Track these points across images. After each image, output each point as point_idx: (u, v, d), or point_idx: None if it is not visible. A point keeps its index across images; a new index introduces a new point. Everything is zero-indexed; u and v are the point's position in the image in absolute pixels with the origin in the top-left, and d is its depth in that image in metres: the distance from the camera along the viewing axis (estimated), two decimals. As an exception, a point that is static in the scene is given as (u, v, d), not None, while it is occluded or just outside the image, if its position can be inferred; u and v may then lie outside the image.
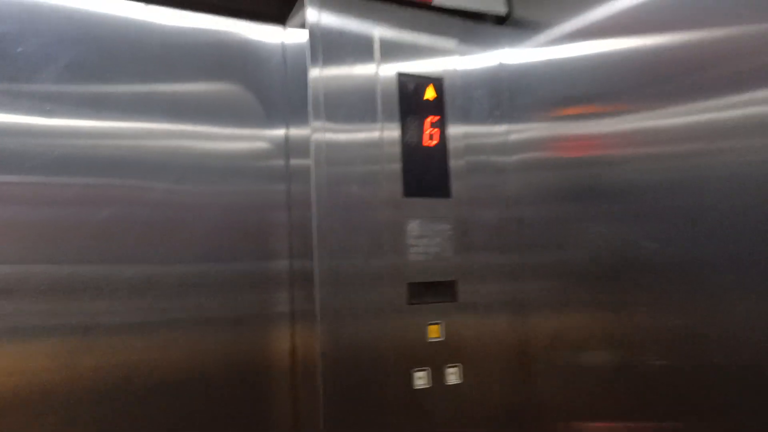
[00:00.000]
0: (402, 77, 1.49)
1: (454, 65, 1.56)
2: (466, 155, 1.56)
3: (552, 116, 1.47)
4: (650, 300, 1.08)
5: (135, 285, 1.27)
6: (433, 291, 1.47)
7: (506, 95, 1.60)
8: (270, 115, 1.46)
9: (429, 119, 1.51)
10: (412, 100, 1.50)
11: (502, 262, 1.57)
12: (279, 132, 1.47)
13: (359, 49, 1.43)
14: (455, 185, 1.53)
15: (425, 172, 1.49)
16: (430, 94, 1.52)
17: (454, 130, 1.55)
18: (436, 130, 1.52)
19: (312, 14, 1.38)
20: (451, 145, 1.54)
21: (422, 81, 1.51)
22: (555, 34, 1.44)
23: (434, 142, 1.52)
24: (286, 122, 1.46)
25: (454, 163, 1.53)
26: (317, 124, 1.36)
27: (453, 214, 1.52)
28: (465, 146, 1.56)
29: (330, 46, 1.39)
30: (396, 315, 1.41)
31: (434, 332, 1.46)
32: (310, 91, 1.36)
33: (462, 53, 1.58)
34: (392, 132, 1.46)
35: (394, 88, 1.47)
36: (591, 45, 1.33)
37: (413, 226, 1.46)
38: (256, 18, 1.47)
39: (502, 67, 1.62)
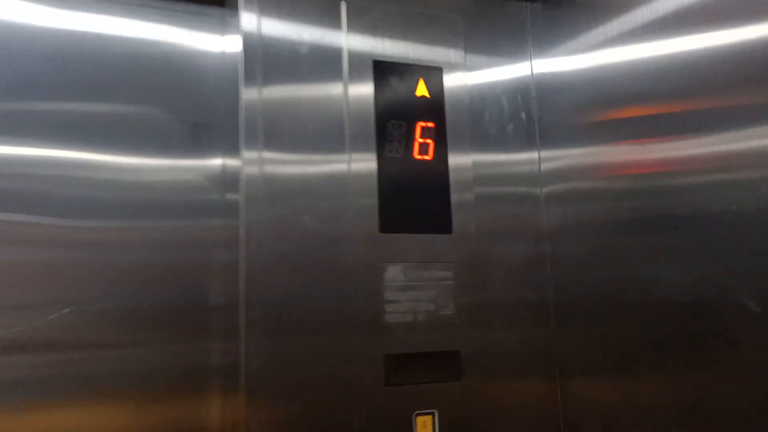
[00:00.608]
0: (380, 66, 1.08)
1: (459, 58, 1.14)
2: (479, 176, 1.12)
3: (597, 138, 1.03)
4: (740, 360, 0.79)
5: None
6: (424, 366, 1.03)
7: (534, 111, 1.16)
8: (201, 142, 1.07)
9: (420, 125, 1.10)
10: (395, 98, 1.09)
11: (530, 314, 1.12)
12: (213, 162, 1.07)
13: (319, 61, 1.04)
14: (459, 216, 1.09)
15: (414, 198, 1.07)
16: (422, 90, 1.11)
17: (458, 140, 1.12)
18: (429, 141, 1.10)
19: (248, 20, 1.01)
20: (455, 161, 1.11)
21: (411, 71, 1.11)
22: (604, 31, 1.01)
23: (428, 157, 1.10)
24: (223, 151, 1.08)
25: (458, 184, 1.10)
26: (250, 155, 0.98)
27: (456, 255, 1.08)
28: (474, 163, 1.13)
29: (275, 59, 1.01)
30: (366, 400, 0.98)
31: (425, 427, 1.01)
32: (242, 114, 0.98)
33: (472, 48, 1.16)
34: (364, 146, 1.05)
35: (367, 79, 1.07)
36: (654, 46, 0.90)
37: (394, 273, 1.03)
38: (184, 23, 1.10)
39: (527, 77, 1.19)
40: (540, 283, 1.14)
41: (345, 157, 1.03)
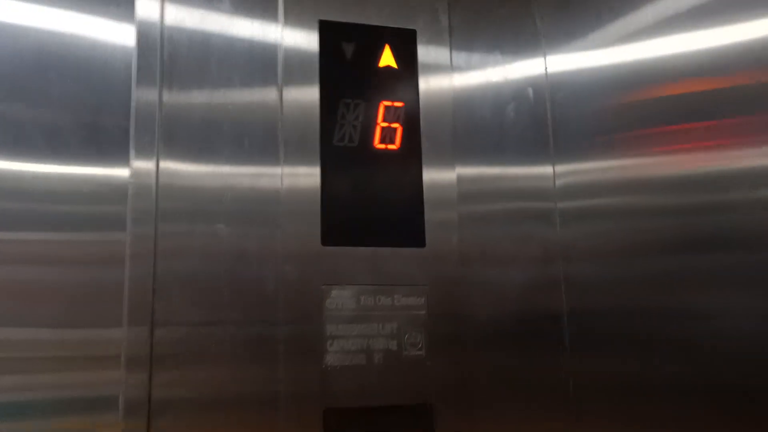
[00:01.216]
0: (329, 28, 0.83)
1: (442, 18, 0.88)
2: (471, 181, 0.86)
3: (628, 146, 0.75)
4: None
5: None
6: (381, 425, 0.77)
7: (548, 113, 0.89)
8: (103, 148, 0.83)
9: (384, 105, 0.84)
10: (349, 69, 0.83)
11: (535, 353, 0.84)
12: (112, 171, 0.83)
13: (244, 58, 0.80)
14: (436, 224, 0.82)
15: (372, 198, 0.81)
16: (387, 59, 0.85)
17: (435, 126, 0.85)
18: (396, 125, 0.84)
19: (145, 6, 0.78)
20: (431, 152, 0.84)
21: (372, 34, 0.85)
22: (639, 19, 0.74)
23: (394, 146, 0.83)
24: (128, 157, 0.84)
25: (435, 182, 0.84)
26: (142, 164, 0.75)
27: (430, 275, 0.81)
28: (462, 161, 0.86)
29: (182, 53, 0.78)
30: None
31: None
32: (133, 116, 0.75)
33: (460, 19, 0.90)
34: (303, 133, 0.80)
35: (308, 46, 0.82)
36: (709, 34, 0.64)
37: (341, 300, 0.78)
38: (89, 7, 0.86)
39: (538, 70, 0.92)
40: (550, 313, 0.85)
41: (274, 149, 0.79)
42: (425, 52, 0.86)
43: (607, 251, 0.79)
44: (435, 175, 0.84)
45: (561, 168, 0.87)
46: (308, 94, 0.81)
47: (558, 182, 0.87)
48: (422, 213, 0.82)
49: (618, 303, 0.77)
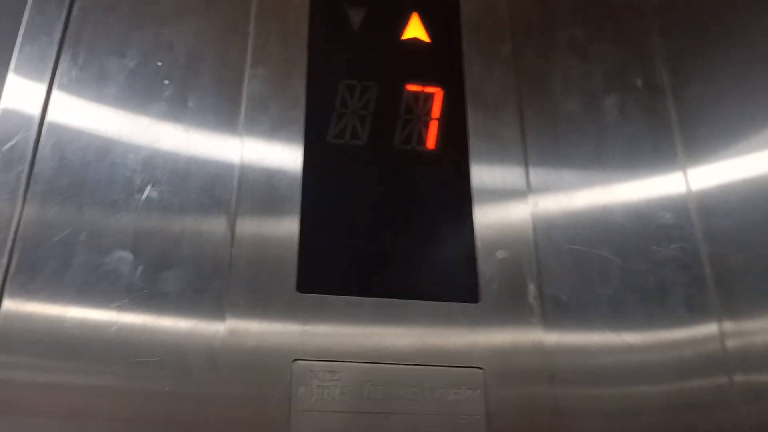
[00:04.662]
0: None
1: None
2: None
3: None
4: None
5: None
6: None
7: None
8: None
9: (410, 90, 0.55)
10: (354, 40, 0.56)
11: None
12: None
13: None
14: (499, 265, 0.49)
15: (387, 223, 0.49)
16: (415, 29, 0.57)
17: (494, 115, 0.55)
18: (429, 119, 0.54)
19: None
20: (477, 151, 0.53)
21: (388, -2, 0.58)
22: None
23: (426, 146, 0.53)
24: None
25: (494, 194, 0.51)
26: None
27: (489, 351, 0.46)
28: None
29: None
30: None
31: None
32: None
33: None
34: (277, 125, 0.52)
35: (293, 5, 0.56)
36: None
37: (324, 388, 0.44)
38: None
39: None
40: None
41: (232, 148, 0.50)
42: (472, 19, 0.58)
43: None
44: (491, 183, 0.52)
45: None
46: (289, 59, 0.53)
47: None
48: (473, 248, 0.49)
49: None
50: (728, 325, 0.52)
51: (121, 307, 0.44)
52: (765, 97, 0.56)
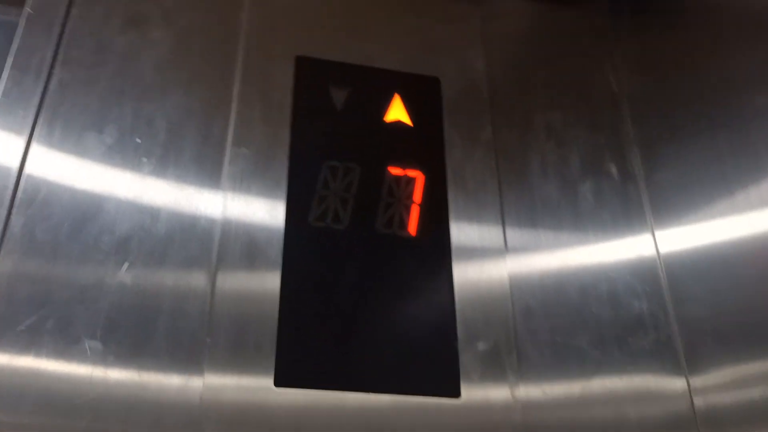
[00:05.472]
0: (310, 67, 0.57)
1: (477, 64, 0.62)
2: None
3: None
4: None
5: None
6: None
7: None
8: None
9: (392, 172, 0.55)
10: (338, 122, 0.56)
11: None
12: None
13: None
14: (481, 360, 0.48)
15: (367, 312, 0.49)
16: (397, 111, 0.58)
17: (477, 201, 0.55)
18: (410, 202, 0.54)
19: None
20: (458, 237, 0.53)
21: (374, 78, 0.59)
22: None
23: (406, 231, 0.53)
24: None
25: (474, 290, 0.51)
26: None
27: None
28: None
29: None
30: None
31: None
32: None
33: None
34: (257, 206, 0.51)
35: (278, 83, 0.56)
36: None
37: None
38: None
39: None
40: None
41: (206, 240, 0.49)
42: (453, 102, 0.59)
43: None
44: (473, 276, 0.52)
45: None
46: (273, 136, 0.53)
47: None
48: (453, 340, 0.49)
49: None
50: (696, 383, 0.53)
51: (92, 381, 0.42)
52: (732, 184, 0.58)
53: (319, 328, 0.47)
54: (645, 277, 0.57)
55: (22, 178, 0.47)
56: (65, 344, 0.43)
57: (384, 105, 0.58)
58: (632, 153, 0.63)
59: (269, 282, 0.48)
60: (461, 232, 0.54)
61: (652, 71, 0.66)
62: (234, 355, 0.45)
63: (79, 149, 0.49)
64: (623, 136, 0.64)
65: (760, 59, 0.51)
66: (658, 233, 0.59)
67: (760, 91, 0.51)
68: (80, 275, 0.45)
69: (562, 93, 0.64)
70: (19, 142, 0.48)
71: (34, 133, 0.48)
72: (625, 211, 0.60)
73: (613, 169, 0.62)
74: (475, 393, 0.47)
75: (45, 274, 0.44)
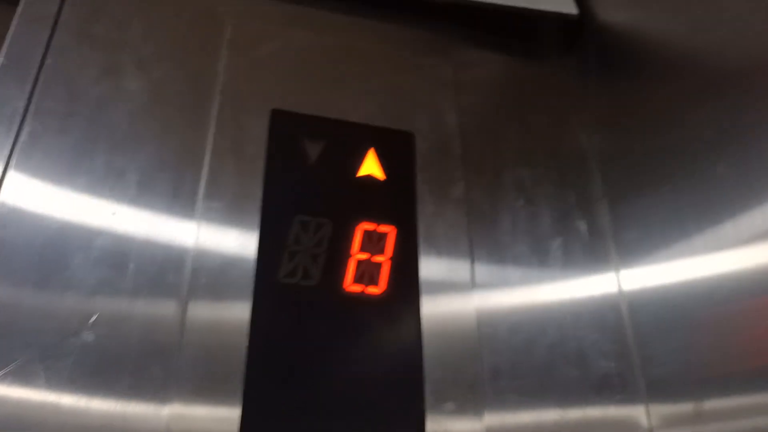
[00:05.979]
0: (284, 122, 0.58)
1: (450, 118, 0.64)
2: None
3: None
4: None
5: None
6: None
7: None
8: None
9: (363, 228, 0.55)
10: (311, 177, 0.56)
11: None
12: None
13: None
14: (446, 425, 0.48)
15: (337, 378, 0.48)
16: (370, 166, 0.58)
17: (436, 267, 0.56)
18: (380, 259, 0.54)
19: None
20: (435, 305, 0.54)
21: (348, 133, 0.59)
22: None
23: (376, 289, 0.53)
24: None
25: (446, 353, 0.51)
26: None
27: None
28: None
29: None
30: None
31: None
32: None
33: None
34: (223, 270, 0.51)
35: (251, 141, 0.57)
36: None
37: None
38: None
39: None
40: None
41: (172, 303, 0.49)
42: (426, 156, 0.60)
43: None
44: (444, 340, 0.52)
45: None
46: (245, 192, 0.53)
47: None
48: (422, 409, 0.49)
49: None
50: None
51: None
52: (696, 244, 0.59)
53: (284, 388, 0.47)
54: (614, 336, 0.57)
55: (-12, 231, 0.46)
56: (25, 371, 0.42)
57: (358, 159, 0.58)
58: (602, 209, 0.64)
59: (236, 338, 0.48)
60: (431, 289, 0.54)
61: (619, 129, 0.67)
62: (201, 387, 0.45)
63: (47, 204, 0.49)
64: (593, 192, 0.65)
65: (716, 127, 0.52)
66: (626, 290, 0.60)
67: (720, 158, 0.52)
68: (45, 325, 0.44)
69: (531, 148, 0.65)
70: (-14, 196, 0.47)
71: (2, 187, 0.48)
72: (595, 269, 0.61)
73: (583, 227, 0.63)
74: (441, 455, 0.47)
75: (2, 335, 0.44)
